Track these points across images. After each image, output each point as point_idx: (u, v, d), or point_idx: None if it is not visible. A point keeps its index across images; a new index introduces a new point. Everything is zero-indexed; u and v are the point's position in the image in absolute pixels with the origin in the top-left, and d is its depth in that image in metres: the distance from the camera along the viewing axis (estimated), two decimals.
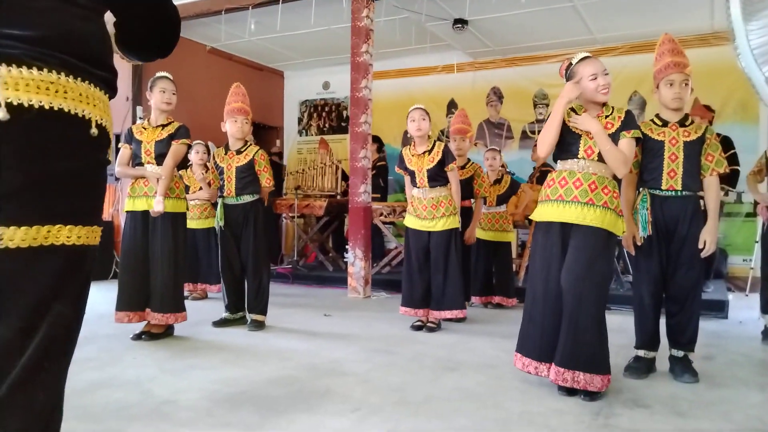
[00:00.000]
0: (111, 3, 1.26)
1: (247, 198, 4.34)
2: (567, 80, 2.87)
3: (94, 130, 1.16)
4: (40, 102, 1.07)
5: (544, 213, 2.87)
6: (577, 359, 2.69)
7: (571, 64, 2.88)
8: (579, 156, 2.81)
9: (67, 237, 1.13)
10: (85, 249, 1.18)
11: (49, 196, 1.10)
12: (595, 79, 2.77)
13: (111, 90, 1.25)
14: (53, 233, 1.11)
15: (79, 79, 1.13)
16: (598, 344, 2.75)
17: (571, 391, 2.77)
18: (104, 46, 1.23)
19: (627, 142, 2.78)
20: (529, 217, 2.97)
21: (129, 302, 3.86)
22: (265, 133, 9.68)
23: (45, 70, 1.08)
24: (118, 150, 4.01)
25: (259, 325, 4.30)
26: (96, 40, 1.20)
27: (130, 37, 1.36)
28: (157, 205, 3.80)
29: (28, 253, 1.08)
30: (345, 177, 7.44)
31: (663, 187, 3.07)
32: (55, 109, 1.09)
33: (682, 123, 3.13)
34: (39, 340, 1.10)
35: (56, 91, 1.09)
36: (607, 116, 2.84)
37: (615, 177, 2.85)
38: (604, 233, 2.75)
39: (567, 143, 2.85)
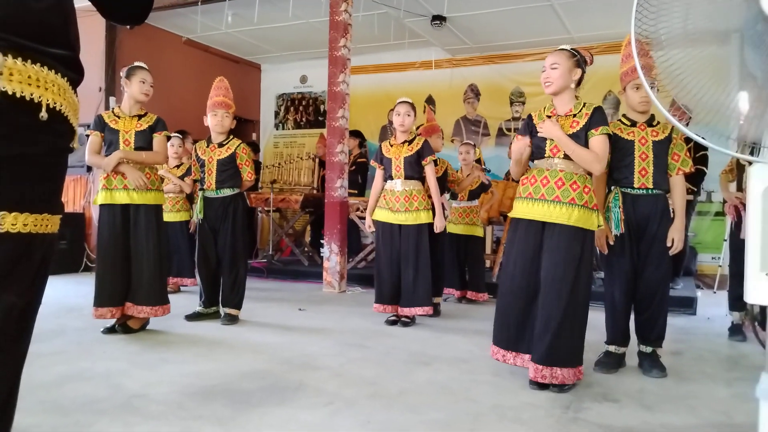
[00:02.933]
0: None
1: (227, 192, 4.32)
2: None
3: (43, 114, 1.11)
4: None
5: (517, 210, 2.93)
6: (556, 357, 2.75)
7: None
8: (546, 155, 2.87)
9: (12, 224, 1.09)
10: (33, 237, 1.14)
11: None
12: (543, 71, 2.91)
13: (71, 70, 1.20)
14: None
15: (29, 61, 1.09)
16: (578, 340, 2.83)
17: (542, 386, 2.81)
18: (63, 20, 1.18)
19: (599, 140, 2.81)
20: (507, 214, 3.01)
21: (110, 297, 3.77)
22: (241, 126, 9.60)
23: None
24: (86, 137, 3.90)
25: (232, 319, 4.27)
26: (53, 14, 1.15)
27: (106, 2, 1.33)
28: (128, 154, 3.79)
29: None
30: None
31: (635, 186, 3.13)
32: None
33: (649, 123, 3.20)
34: None
35: (0, 74, 1.05)
36: (575, 114, 2.87)
37: (588, 172, 2.88)
38: (575, 230, 2.77)
39: (536, 145, 2.92)
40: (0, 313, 1.10)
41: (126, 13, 1.40)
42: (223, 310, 4.35)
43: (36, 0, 1.11)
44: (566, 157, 2.81)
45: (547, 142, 2.86)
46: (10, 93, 1.06)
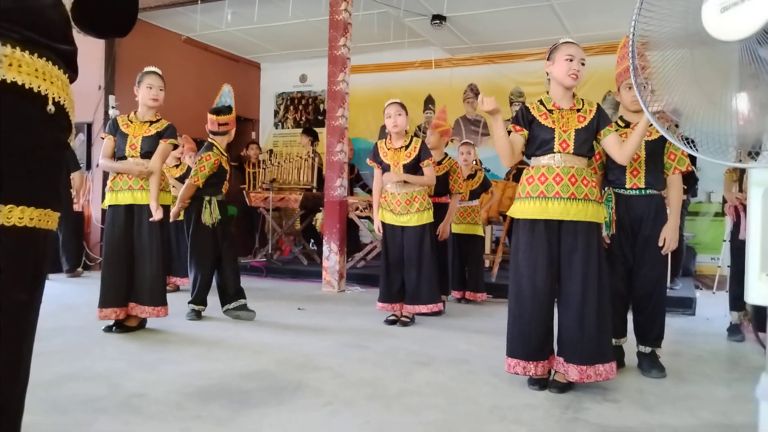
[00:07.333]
0: None
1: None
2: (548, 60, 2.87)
3: (50, 107, 1.12)
4: None
5: (526, 210, 2.81)
6: (599, 354, 2.74)
7: (555, 45, 2.85)
8: (555, 150, 2.79)
9: (19, 218, 1.08)
10: (37, 232, 1.13)
11: (1, 173, 1.05)
12: (570, 61, 2.75)
13: (71, 69, 1.21)
14: (4, 213, 1.06)
15: (36, 54, 1.10)
16: (610, 333, 2.85)
17: (542, 386, 2.81)
18: (63, 18, 1.19)
19: (615, 136, 2.83)
20: (506, 214, 2.93)
21: (115, 298, 3.79)
22: (241, 125, 9.59)
23: None
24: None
25: (247, 311, 4.39)
26: (56, 11, 1.16)
27: (89, 14, 1.32)
28: (156, 214, 3.78)
29: None
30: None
31: (627, 186, 3.13)
32: (8, 81, 1.05)
33: None
34: None
35: (9, 64, 1.05)
36: (578, 109, 2.86)
37: (591, 166, 2.90)
38: (590, 225, 2.78)
39: (541, 139, 2.83)
40: (13, 312, 1.10)
41: (111, 24, 1.40)
42: (232, 305, 4.39)
43: None
44: (575, 153, 2.78)
45: (556, 137, 2.78)
46: (19, 84, 1.06)
